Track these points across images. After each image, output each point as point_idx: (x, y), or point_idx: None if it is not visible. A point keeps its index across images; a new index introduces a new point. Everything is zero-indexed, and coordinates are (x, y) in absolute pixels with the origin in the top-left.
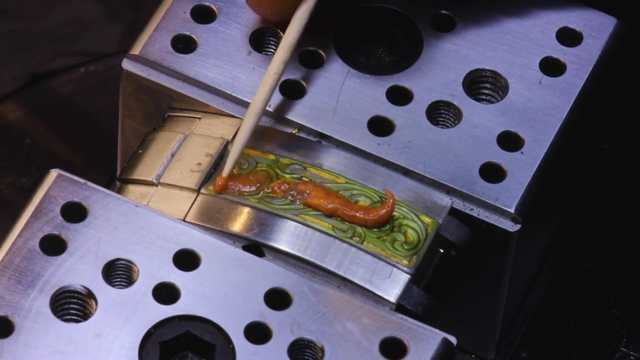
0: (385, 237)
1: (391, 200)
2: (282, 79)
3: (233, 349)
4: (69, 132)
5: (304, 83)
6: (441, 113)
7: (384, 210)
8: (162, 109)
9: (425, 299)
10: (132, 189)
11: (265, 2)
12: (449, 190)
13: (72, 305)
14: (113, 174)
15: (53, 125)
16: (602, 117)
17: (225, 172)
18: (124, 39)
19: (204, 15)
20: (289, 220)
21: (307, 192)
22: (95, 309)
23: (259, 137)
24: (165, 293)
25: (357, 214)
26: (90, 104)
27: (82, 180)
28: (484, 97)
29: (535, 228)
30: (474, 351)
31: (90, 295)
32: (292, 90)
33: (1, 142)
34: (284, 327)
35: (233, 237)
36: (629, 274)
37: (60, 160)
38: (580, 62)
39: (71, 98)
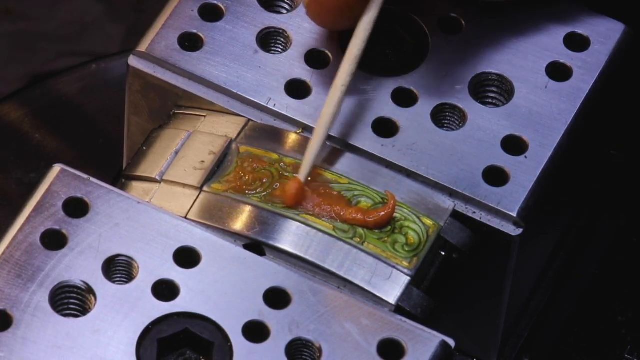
0: (386, 239)
1: (392, 202)
2: (288, 78)
3: (231, 347)
4: (74, 131)
5: (309, 83)
6: (446, 116)
7: (383, 212)
8: (168, 106)
9: (425, 301)
10: (136, 185)
11: (326, 13)
12: (452, 193)
13: (71, 301)
14: (119, 172)
15: (57, 124)
16: (610, 123)
17: (301, 177)
18: (127, 39)
19: (211, 13)
20: (290, 220)
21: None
22: (95, 305)
23: (263, 136)
24: (165, 290)
25: (357, 216)
26: (94, 104)
27: (85, 176)
28: (490, 100)
29: (538, 232)
30: (476, 354)
31: (89, 290)
32: (297, 90)
33: (10, 138)
34: (283, 326)
35: (234, 235)
36: (634, 280)
37: (67, 157)
38: (587, 68)
39: (75, 98)
